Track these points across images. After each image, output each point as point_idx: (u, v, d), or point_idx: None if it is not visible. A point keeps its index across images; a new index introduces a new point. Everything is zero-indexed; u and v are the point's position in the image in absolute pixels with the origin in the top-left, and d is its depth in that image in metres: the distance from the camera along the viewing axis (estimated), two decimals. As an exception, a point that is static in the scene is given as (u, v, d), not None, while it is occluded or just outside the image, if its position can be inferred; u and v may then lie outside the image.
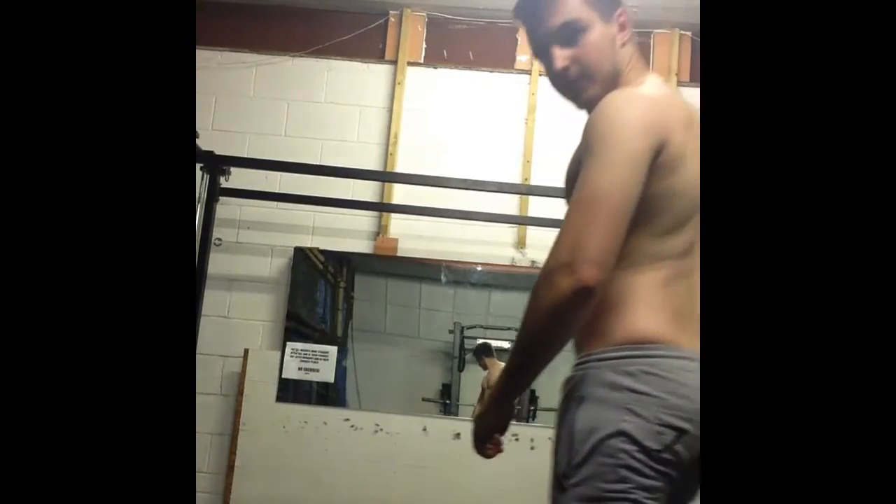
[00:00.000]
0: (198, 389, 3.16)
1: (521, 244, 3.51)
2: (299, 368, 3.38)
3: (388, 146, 3.57)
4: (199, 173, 3.35)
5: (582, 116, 1.43)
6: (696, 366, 1.23)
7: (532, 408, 3.34)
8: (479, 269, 3.50)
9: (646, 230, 1.29)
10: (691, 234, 1.30)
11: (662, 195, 1.28)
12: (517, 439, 3.15)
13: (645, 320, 1.28)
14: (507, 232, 3.53)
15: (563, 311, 1.21)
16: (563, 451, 1.27)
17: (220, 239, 3.52)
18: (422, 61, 3.67)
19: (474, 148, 3.58)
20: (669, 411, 1.22)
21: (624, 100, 1.32)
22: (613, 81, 1.43)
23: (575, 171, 1.34)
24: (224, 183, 3.41)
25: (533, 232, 3.50)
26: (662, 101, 1.36)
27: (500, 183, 3.41)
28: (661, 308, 1.28)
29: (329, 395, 3.41)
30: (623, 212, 1.23)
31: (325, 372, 3.39)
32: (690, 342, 1.26)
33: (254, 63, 3.70)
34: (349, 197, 3.50)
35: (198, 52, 3.33)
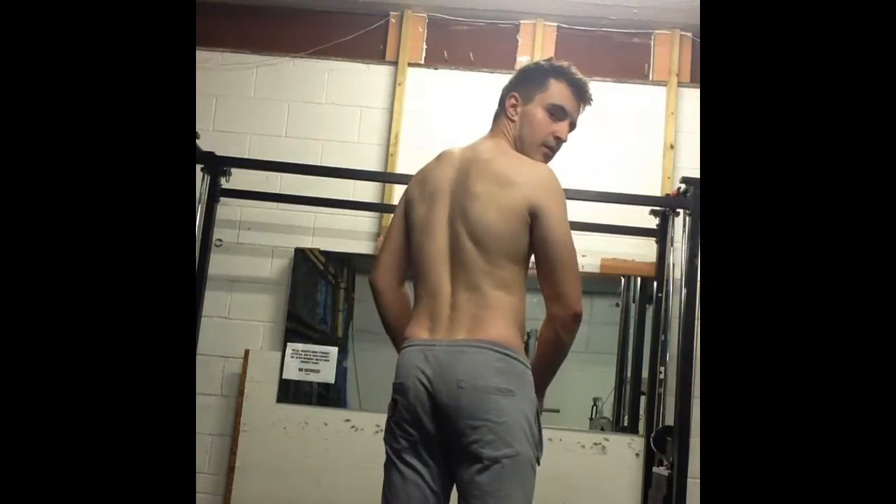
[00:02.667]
0: (198, 390, 3.16)
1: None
2: (300, 369, 3.38)
3: (389, 147, 3.57)
4: (199, 174, 3.35)
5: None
6: (412, 350, 1.77)
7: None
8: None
9: (412, 264, 1.88)
10: (433, 261, 1.80)
11: (407, 230, 1.90)
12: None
13: (407, 327, 1.84)
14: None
15: (375, 300, 1.95)
16: None
17: (220, 240, 3.52)
18: (422, 62, 3.67)
19: (475, 149, 3.57)
20: (393, 389, 1.80)
21: None
22: None
23: None
24: (224, 184, 3.41)
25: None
26: (421, 170, 1.98)
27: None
28: (416, 315, 1.83)
29: (330, 395, 3.41)
30: (390, 240, 1.94)
31: (326, 373, 3.39)
32: (432, 334, 1.76)
33: (254, 64, 3.70)
34: (350, 198, 3.50)
35: (198, 52, 3.34)
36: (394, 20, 3.69)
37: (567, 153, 2.02)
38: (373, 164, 3.58)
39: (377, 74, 3.68)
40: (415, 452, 1.75)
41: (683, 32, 3.64)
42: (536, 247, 1.77)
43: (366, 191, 3.55)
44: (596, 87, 3.81)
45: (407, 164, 3.50)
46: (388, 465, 1.80)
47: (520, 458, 1.67)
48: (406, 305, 1.93)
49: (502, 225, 1.75)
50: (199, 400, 3.15)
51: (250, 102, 3.67)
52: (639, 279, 3.48)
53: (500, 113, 1.95)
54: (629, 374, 3.43)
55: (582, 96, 1.94)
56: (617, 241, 3.44)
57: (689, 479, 2.96)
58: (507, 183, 1.78)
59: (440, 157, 1.95)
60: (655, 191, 3.50)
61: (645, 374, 3.37)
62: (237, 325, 3.50)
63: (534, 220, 1.76)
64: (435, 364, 1.72)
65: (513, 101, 1.92)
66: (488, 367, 1.70)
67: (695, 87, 3.58)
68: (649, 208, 3.42)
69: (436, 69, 3.66)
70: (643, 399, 3.35)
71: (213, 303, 3.45)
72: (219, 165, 3.37)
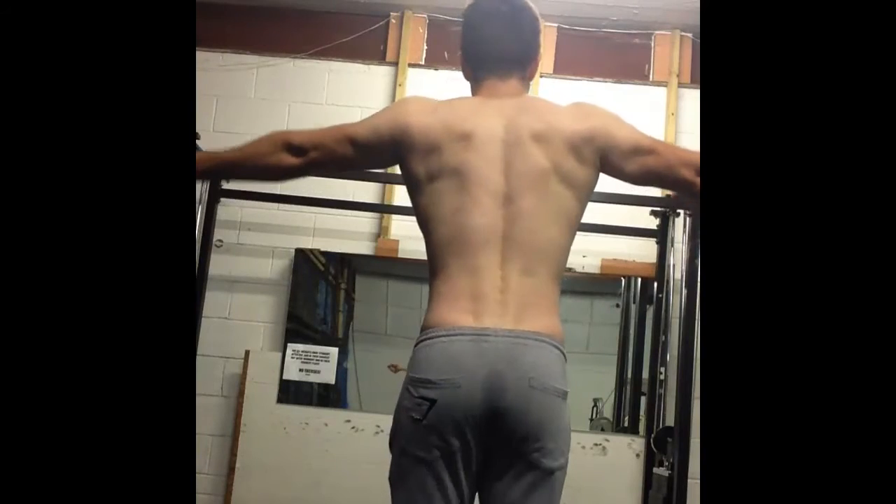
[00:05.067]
0: (199, 391, 3.16)
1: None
2: (300, 370, 3.38)
3: (389, 147, 3.58)
4: (200, 175, 3.35)
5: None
6: (458, 340, 1.46)
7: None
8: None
9: (428, 239, 1.59)
10: (480, 235, 1.52)
11: (420, 180, 1.57)
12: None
13: (431, 309, 1.54)
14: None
15: (267, 156, 1.63)
16: None
17: (220, 240, 3.52)
18: (423, 63, 3.67)
19: (475, 149, 3.57)
20: (422, 385, 1.46)
21: None
22: None
23: None
24: (225, 184, 3.41)
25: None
26: (407, 101, 1.70)
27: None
28: (445, 297, 1.52)
29: (330, 396, 3.41)
30: (353, 141, 1.61)
31: (326, 373, 3.39)
32: (479, 320, 1.47)
33: (255, 65, 3.71)
34: (350, 198, 3.50)
35: (198, 53, 3.33)
36: (394, 21, 3.69)
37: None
38: (373, 164, 3.58)
39: (378, 75, 3.68)
40: (448, 466, 1.46)
41: (683, 33, 3.64)
42: (629, 159, 1.58)
43: (366, 191, 3.55)
44: (596, 87, 3.82)
45: (407, 164, 3.50)
46: (408, 479, 1.50)
47: (564, 470, 1.52)
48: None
49: (580, 208, 1.59)
50: (199, 401, 3.14)
51: (251, 103, 3.67)
52: (639, 280, 3.48)
53: (530, 63, 1.71)
54: (629, 374, 3.43)
55: None
56: (617, 242, 3.44)
57: (689, 480, 2.96)
58: (579, 137, 1.58)
59: (402, 102, 1.72)
60: (656, 191, 3.50)
61: (645, 374, 3.37)
62: (237, 326, 3.50)
63: (607, 152, 1.58)
64: (496, 358, 1.44)
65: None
66: (554, 366, 1.49)
67: (695, 87, 3.58)
68: (649, 209, 3.42)
69: (436, 70, 3.66)
70: (643, 400, 3.35)
71: (214, 303, 3.45)
72: (219, 166, 3.36)
